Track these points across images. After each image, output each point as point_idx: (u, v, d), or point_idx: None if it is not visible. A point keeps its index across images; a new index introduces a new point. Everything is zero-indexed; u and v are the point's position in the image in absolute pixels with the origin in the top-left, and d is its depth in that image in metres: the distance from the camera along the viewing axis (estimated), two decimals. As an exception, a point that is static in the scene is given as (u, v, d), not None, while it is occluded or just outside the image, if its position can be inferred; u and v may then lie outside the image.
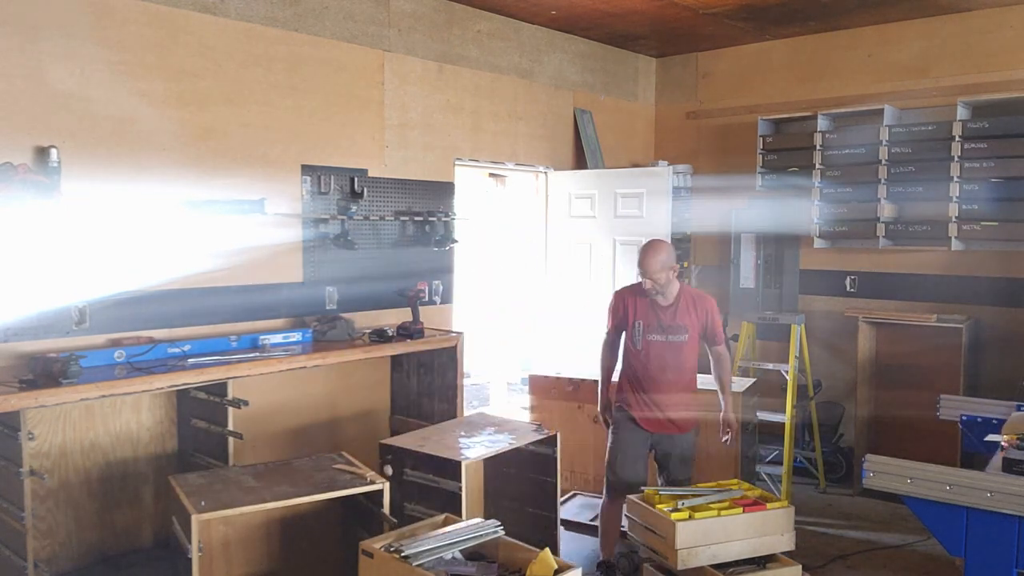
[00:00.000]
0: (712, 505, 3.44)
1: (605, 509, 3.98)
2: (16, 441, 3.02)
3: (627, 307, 3.94)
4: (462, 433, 3.75)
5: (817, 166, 5.58)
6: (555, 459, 3.80)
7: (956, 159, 5.04)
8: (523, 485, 3.89)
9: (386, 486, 3.25)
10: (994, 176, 4.98)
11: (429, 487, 3.39)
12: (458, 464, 3.30)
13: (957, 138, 5.02)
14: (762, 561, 3.42)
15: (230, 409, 3.58)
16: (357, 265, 4.59)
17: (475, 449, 3.53)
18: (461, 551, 3.00)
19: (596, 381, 4.84)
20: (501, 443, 3.64)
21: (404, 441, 3.57)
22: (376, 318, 4.65)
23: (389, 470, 3.43)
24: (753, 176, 5.89)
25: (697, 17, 5.46)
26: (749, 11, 5.33)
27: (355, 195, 4.51)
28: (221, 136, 3.99)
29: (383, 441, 3.55)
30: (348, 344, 4.10)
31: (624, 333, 3.97)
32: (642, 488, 3.68)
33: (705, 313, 3.88)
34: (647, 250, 3.82)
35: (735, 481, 3.79)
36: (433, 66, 5.00)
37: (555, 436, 3.79)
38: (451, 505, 3.30)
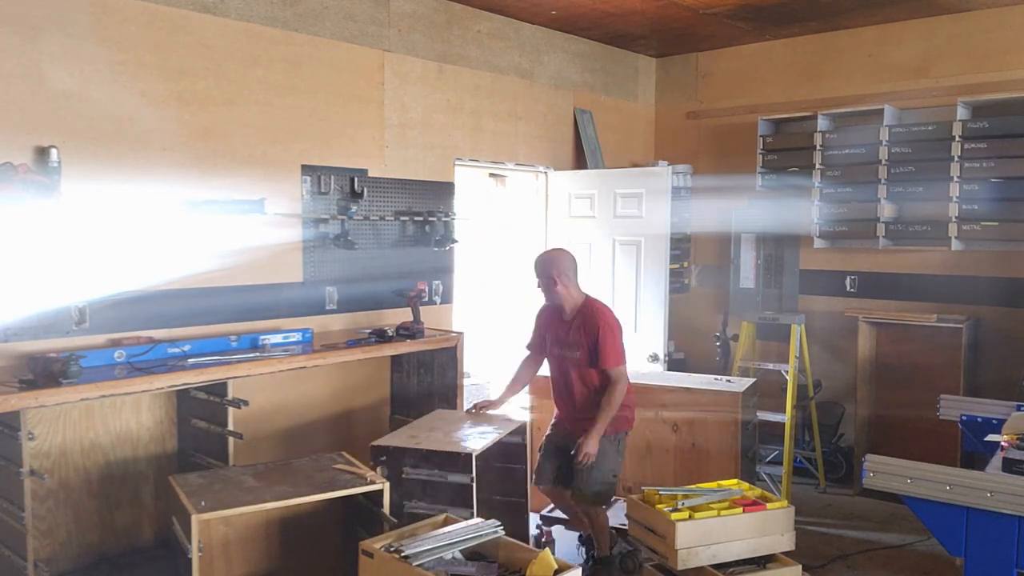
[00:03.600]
0: (712, 505, 3.44)
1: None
2: (16, 441, 3.02)
3: (543, 321, 4.12)
4: (445, 428, 3.76)
5: (817, 166, 5.58)
6: (524, 447, 3.84)
7: (956, 159, 5.03)
8: (491, 474, 3.91)
9: (386, 486, 3.25)
10: (994, 176, 4.98)
11: (433, 483, 3.40)
12: (469, 456, 3.32)
13: (957, 138, 5.02)
14: (762, 561, 3.42)
15: (230, 409, 3.58)
16: (357, 265, 4.59)
17: (473, 440, 3.54)
18: (461, 551, 3.00)
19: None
20: (491, 433, 3.65)
21: (396, 440, 3.57)
22: (376, 318, 4.65)
23: (384, 471, 3.43)
24: (753, 176, 5.89)
25: (697, 17, 5.46)
26: (749, 11, 5.33)
27: (355, 195, 4.51)
28: (221, 136, 3.99)
29: (375, 443, 3.53)
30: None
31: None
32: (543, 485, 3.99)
33: (594, 331, 3.81)
34: (541, 254, 4.07)
35: (735, 481, 3.80)
36: (433, 66, 5.00)
37: (524, 424, 3.85)
38: (460, 498, 3.33)
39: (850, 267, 5.79)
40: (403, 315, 4.57)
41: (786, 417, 5.18)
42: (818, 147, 5.58)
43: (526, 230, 6.07)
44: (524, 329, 4.39)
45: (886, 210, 5.37)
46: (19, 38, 3.33)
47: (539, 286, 3.96)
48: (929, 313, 5.27)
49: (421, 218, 4.85)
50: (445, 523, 3.19)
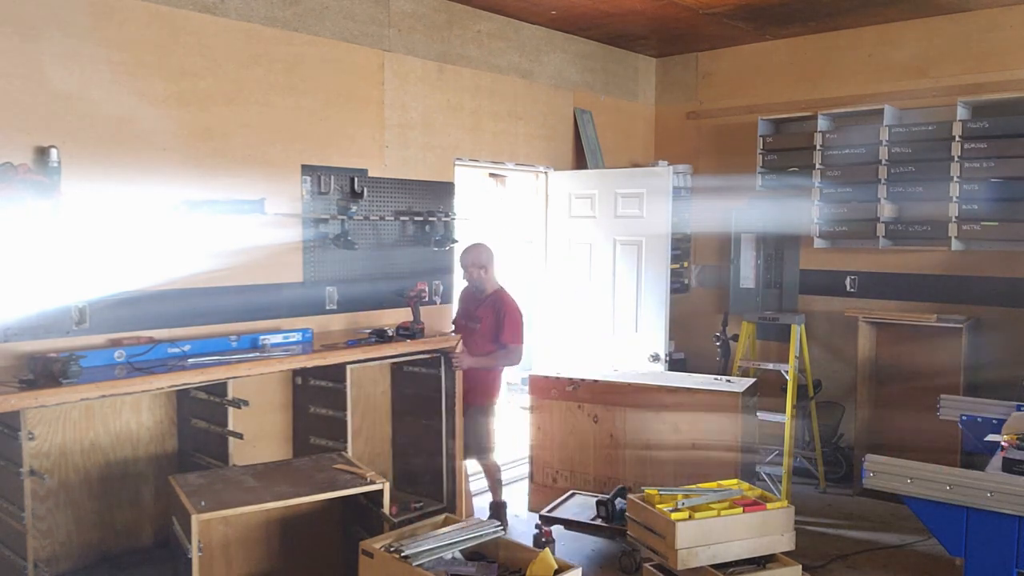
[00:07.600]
0: (712, 505, 3.44)
1: None
2: (16, 441, 3.02)
3: (463, 299, 4.85)
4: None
5: (817, 166, 5.58)
6: (439, 376, 4.39)
7: (956, 159, 5.04)
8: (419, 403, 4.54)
9: (386, 486, 3.25)
10: (994, 176, 4.98)
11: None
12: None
13: (957, 138, 5.02)
14: (762, 561, 3.43)
15: (230, 409, 3.58)
16: (357, 265, 4.59)
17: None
18: (461, 551, 3.01)
19: (596, 380, 4.88)
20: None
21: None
22: (376, 318, 4.66)
23: None
24: (753, 176, 5.89)
25: (697, 17, 5.46)
26: (749, 11, 5.33)
27: (355, 195, 4.51)
28: (221, 136, 3.99)
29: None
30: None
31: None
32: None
33: (500, 313, 4.55)
34: (467, 248, 4.68)
35: (735, 481, 3.80)
36: (433, 66, 5.00)
37: (439, 358, 4.35)
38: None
39: (850, 267, 5.79)
40: (403, 315, 4.57)
41: (786, 417, 5.18)
42: (818, 147, 5.58)
43: (526, 230, 6.07)
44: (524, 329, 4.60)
45: (886, 210, 5.37)
46: (19, 38, 3.32)
47: (467, 270, 4.63)
48: (929, 313, 5.27)
49: (421, 218, 4.85)
50: (445, 523, 3.19)
